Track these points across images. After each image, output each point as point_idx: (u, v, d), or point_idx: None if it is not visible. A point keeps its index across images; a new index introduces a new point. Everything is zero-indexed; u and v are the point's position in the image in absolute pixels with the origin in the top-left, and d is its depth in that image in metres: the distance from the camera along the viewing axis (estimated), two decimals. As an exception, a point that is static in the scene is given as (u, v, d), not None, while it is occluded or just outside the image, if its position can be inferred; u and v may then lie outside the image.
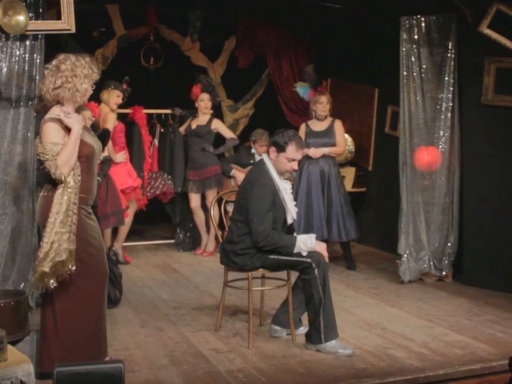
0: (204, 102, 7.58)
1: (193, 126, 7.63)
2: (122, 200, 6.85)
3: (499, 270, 5.94)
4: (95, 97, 6.82)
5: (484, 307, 5.48)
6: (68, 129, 3.74)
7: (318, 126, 6.89)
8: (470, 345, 4.51)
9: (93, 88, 3.90)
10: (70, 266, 3.68)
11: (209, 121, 7.63)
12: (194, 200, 7.63)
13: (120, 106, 7.24)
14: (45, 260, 3.63)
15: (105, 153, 6.53)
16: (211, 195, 7.41)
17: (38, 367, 3.87)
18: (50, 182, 3.81)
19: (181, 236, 8.11)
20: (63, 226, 3.67)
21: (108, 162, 6.64)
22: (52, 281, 3.65)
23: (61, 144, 3.70)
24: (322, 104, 6.84)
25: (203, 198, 7.69)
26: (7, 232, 5.13)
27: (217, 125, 7.68)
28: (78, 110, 3.98)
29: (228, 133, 7.76)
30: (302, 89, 7.77)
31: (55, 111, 3.79)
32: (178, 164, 7.87)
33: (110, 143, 6.75)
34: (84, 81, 3.78)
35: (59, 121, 3.73)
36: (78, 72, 3.76)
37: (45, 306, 3.87)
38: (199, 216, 7.67)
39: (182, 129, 7.84)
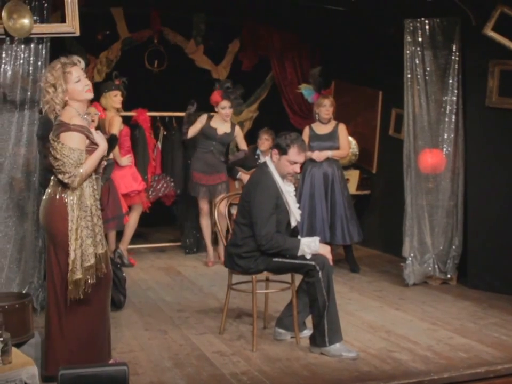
0: (225, 110, 7.17)
1: (220, 132, 7.21)
2: (122, 205, 6.85)
3: (504, 273, 5.92)
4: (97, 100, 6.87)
5: (489, 310, 5.47)
6: (88, 137, 3.79)
7: (322, 129, 6.89)
8: (475, 348, 4.50)
9: (86, 76, 3.91)
10: (101, 269, 3.79)
11: (233, 128, 7.34)
12: (206, 205, 7.35)
13: (124, 110, 7.24)
14: (74, 268, 3.68)
15: (110, 156, 6.52)
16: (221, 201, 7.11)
17: (43, 370, 3.87)
18: (53, 184, 3.81)
19: (188, 239, 8.08)
20: (83, 231, 3.71)
21: (111, 165, 6.60)
22: (84, 287, 3.72)
23: (81, 151, 3.73)
24: (326, 107, 6.84)
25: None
26: (12, 235, 5.15)
27: (238, 133, 7.39)
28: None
29: (243, 144, 7.49)
30: (306, 91, 7.77)
31: (70, 113, 3.78)
32: (177, 166, 7.86)
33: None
34: (61, 82, 3.76)
35: (82, 129, 3.75)
36: (49, 79, 3.77)
37: (50, 310, 3.86)
38: (207, 225, 7.41)
39: (194, 129, 7.29)
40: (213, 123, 7.25)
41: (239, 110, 8.96)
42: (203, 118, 7.30)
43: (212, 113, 7.35)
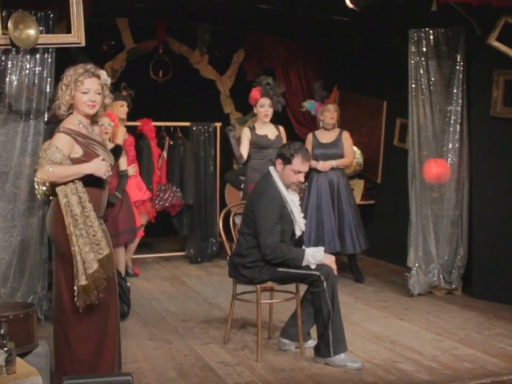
0: (264, 108, 6.36)
1: (272, 137, 6.42)
2: (136, 218, 6.77)
3: (509, 283, 5.90)
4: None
5: (494, 320, 5.45)
6: (82, 144, 3.74)
7: (325, 137, 6.89)
8: (480, 359, 4.48)
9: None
10: (108, 270, 3.72)
11: (278, 129, 6.55)
12: None
13: (129, 119, 7.26)
14: (78, 274, 3.64)
15: (123, 167, 6.44)
16: None
17: (53, 381, 3.86)
18: (56, 194, 3.81)
19: (192, 249, 8.06)
20: (79, 240, 3.68)
21: (125, 177, 6.51)
22: (94, 292, 3.66)
23: (64, 155, 3.65)
24: (330, 111, 6.83)
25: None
26: (16, 245, 5.16)
27: (283, 134, 6.57)
28: (96, 117, 3.98)
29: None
30: (309, 105, 7.78)
31: (70, 119, 3.80)
32: (189, 176, 7.85)
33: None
34: (72, 86, 3.76)
35: (70, 132, 3.72)
36: (65, 79, 3.78)
37: (55, 321, 3.85)
38: None
39: (245, 148, 6.42)
40: (259, 131, 6.46)
41: (243, 120, 8.99)
42: (247, 132, 6.50)
43: (250, 125, 6.78)
